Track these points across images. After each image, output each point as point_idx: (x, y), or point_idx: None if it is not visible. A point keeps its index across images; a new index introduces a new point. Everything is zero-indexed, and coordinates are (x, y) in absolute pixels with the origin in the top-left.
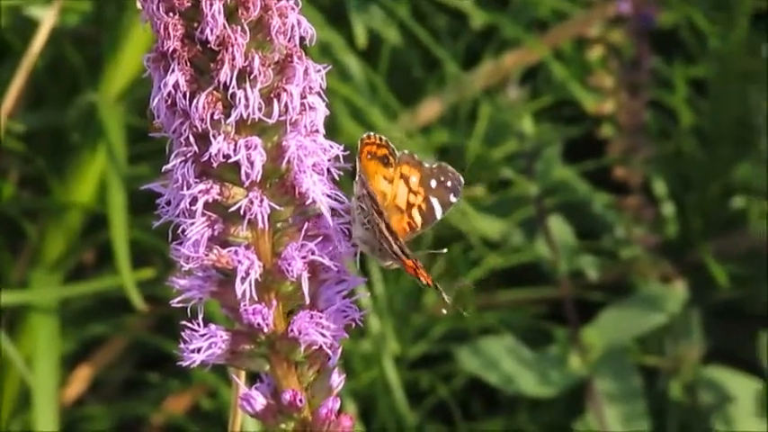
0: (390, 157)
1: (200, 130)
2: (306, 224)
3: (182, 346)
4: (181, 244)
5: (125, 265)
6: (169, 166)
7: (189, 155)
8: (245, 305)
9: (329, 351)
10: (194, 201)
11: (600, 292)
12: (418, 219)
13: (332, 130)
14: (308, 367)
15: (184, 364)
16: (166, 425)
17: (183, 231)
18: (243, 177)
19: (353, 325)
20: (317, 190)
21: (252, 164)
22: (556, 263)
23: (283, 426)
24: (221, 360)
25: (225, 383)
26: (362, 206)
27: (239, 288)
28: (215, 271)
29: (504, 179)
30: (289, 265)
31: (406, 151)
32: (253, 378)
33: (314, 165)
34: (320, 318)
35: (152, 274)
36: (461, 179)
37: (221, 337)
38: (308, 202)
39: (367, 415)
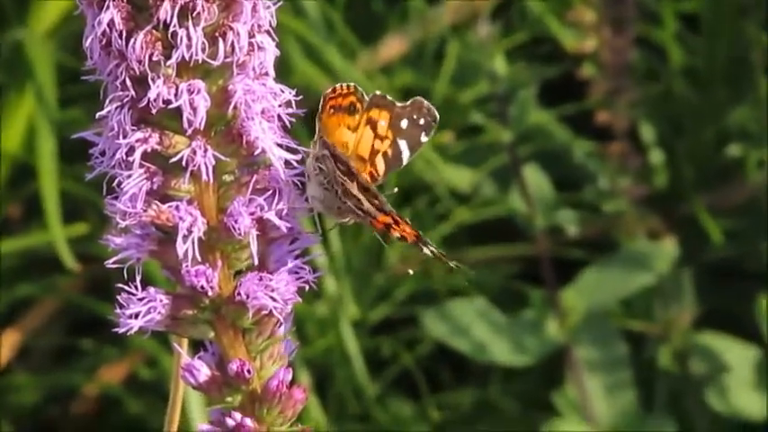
0: (358, 104)
1: (137, 72)
2: (254, 177)
3: (118, 310)
4: (116, 198)
5: (55, 220)
6: (104, 112)
7: (125, 100)
8: (187, 266)
9: (280, 316)
10: (131, 150)
11: (580, 249)
12: (381, 167)
13: (284, 72)
14: (256, 335)
15: (121, 330)
16: (101, 396)
17: (119, 184)
18: (185, 125)
19: (307, 287)
20: (267, 138)
21: (195, 110)
22: (531, 217)
23: (230, 399)
24: (161, 326)
25: (165, 352)
26: (321, 167)
27: (181, 247)
28: (154, 228)
29: (474, 125)
30: (235, 221)
31: (377, 92)
32: (196, 346)
33: (263, 111)
34: (270, 280)
35: (85, 230)
36: (436, 114)
37: (161, 301)
38: (256, 153)
39: (323, 386)
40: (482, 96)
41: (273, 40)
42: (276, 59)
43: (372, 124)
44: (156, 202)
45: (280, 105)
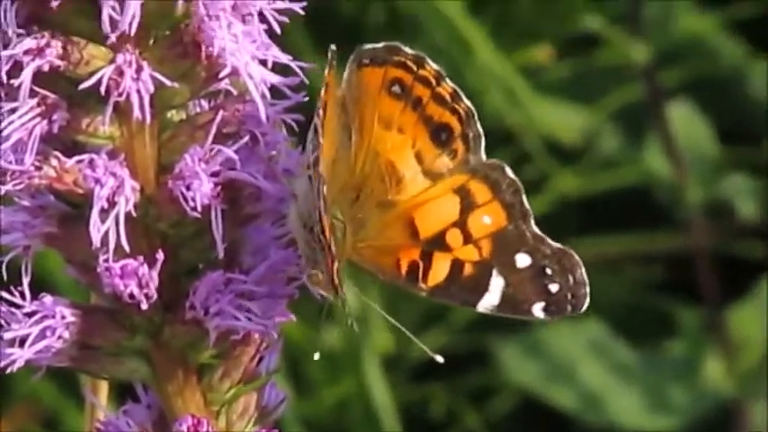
0: (458, 140)
1: None
2: (219, 114)
3: None
4: None
5: None
6: None
7: None
8: (107, 260)
9: (259, 346)
10: (17, 68)
11: (761, 242)
12: (438, 274)
13: None
14: (221, 375)
15: None
16: None
17: None
18: (105, 27)
19: (301, 296)
20: (241, 51)
21: (122, 2)
22: (681, 187)
23: None
24: (64, 360)
25: (71, 403)
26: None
27: (97, 229)
28: (54, 198)
29: (586, 33)
30: (188, 187)
31: (504, 167)
32: (122, 394)
33: (234, 5)
34: (243, 284)
35: None
36: (584, 299)
37: (64, 318)
38: (223, 74)
39: None
40: None
41: None
42: None
43: (467, 203)
44: (58, 154)
45: None
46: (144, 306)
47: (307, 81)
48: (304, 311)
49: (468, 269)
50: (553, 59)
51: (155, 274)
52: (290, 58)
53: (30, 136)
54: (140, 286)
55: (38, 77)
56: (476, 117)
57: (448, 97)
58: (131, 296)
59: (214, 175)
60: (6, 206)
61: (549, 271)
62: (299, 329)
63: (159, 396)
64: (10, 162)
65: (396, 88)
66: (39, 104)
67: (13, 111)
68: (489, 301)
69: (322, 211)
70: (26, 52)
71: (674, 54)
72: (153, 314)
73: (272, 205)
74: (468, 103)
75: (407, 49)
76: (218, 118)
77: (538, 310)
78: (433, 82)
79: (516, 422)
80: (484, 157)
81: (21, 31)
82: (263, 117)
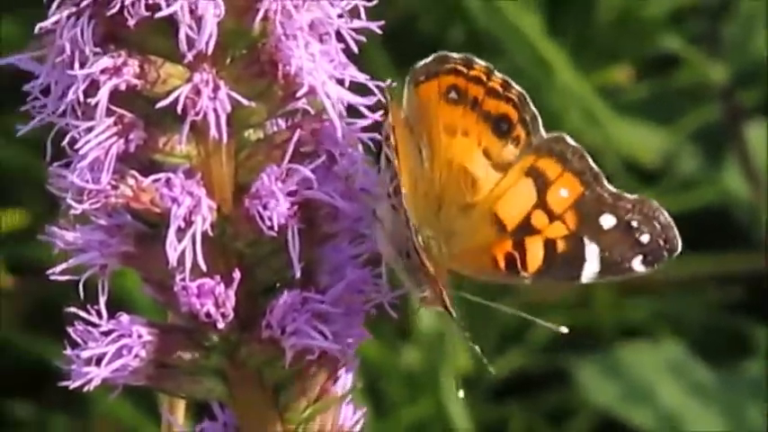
0: (519, 128)
1: None
2: (297, 133)
3: (69, 351)
4: (69, 166)
5: None
6: (49, 22)
7: (85, 3)
8: (183, 279)
9: (336, 365)
10: (94, 87)
11: None
12: (536, 257)
13: None
14: (297, 394)
15: (74, 384)
16: None
17: (74, 143)
18: (182, 46)
19: (379, 316)
20: (318, 70)
21: (199, 21)
22: (759, 208)
23: None
24: (141, 379)
25: (149, 421)
26: (389, 154)
27: (174, 248)
28: (130, 217)
29: (665, 53)
30: (264, 206)
31: (565, 138)
32: (199, 413)
33: (311, 24)
34: (320, 303)
35: (20, 219)
36: (676, 240)
37: (140, 336)
38: (300, 93)
39: None
40: (679, 8)
41: None
42: None
43: (541, 182)
44: (135, 173)
45: (340, 16)
46: (220, 325)
47: (384, 100)
48: (382, 330)
49: (561, 245)
50: (632, 80)
51: (231, 293)
52: (368, 77)
53: (106, 155)
54: (217, 305)
55: (114, 96)
56: (528, 99)
57: (500, 89)
58: (208, 315)
59: (291, 194)
60: (83, 225)
61: (635, 224)
62: (377, 348)
63: (236, 415)
64: (87, 181)
65: (452, 94)
66: (115, 123)
67: (89, 130)
68: (591, 270)
69: (415, 242)
70: (103, 71)
71: (752, 74)
72: (229, 333)
73: (349, 225)
74: (518, 88)
75: (455, 55)
76: (296, 137)
77: (637, 264)
78: (485, 78)
79: None
80: (543, 134)
81: (97, 49)
82: (340, 136)
